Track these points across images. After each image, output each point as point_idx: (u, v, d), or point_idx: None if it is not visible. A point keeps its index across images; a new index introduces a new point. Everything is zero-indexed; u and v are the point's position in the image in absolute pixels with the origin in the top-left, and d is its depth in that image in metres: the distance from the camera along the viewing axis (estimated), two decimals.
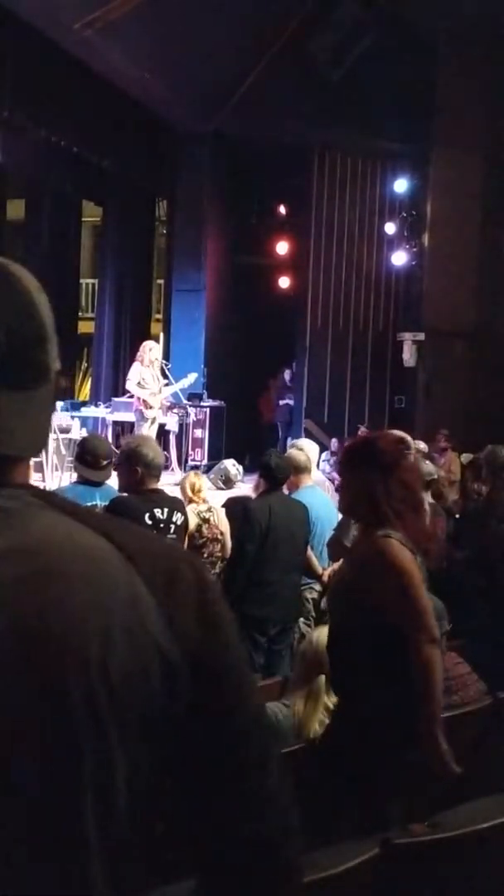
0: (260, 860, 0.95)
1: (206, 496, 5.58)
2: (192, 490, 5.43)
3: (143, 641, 0.87)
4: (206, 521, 5.34)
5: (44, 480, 8.88)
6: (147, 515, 4.27)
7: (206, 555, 5.31)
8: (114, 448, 5.40)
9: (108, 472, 4.74)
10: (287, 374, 15.21)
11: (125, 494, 4.53)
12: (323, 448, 11.37)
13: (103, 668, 0.85)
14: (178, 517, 4.40)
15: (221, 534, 5.38)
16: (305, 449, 5.88)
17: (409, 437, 3.00)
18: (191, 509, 5.27)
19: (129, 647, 0.86)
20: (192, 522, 5.22)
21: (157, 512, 4.31)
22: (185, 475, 5.81)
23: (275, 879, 0.96)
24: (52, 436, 9.09)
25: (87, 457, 4.69)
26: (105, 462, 4.69)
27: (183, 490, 5.44)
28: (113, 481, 5.01)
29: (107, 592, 0.87)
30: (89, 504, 4.53)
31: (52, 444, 9.08)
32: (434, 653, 2.59)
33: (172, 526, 4.36)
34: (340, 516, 4.40)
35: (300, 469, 5.44)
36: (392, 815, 2.57)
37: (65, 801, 0.84)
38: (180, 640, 0.90)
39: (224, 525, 5.41)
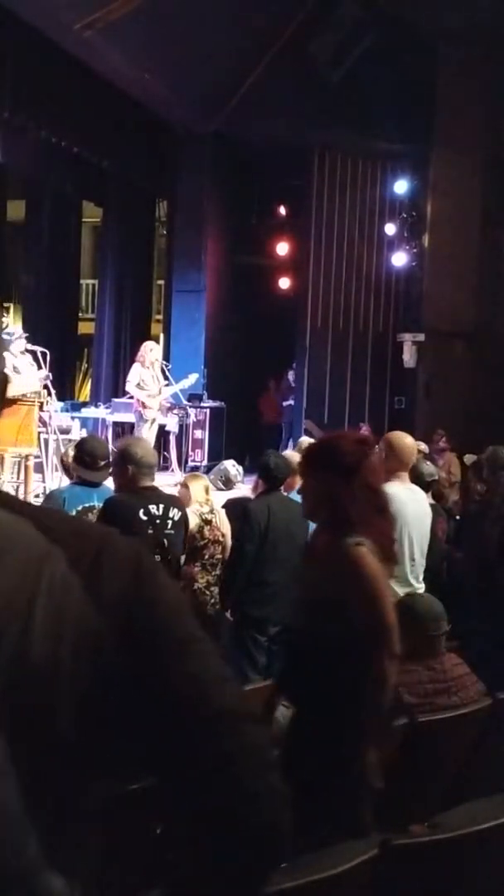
0: (225, 829, 0.94)
1: (211, 498, 5.57)
2: (206, 492, 5.44)
3: (66, 620, 0.90)
4: (207, 522, 5.34)
5: (44, 481, 8.87)
6: (141, 512, 4.28)
7: (206, 556, 5.31)
8: (114, 449, 5.39)
9: (106, 472, 4.73)
10: (291, 376, 15.21)
11: (119, 493, 4.55)
12: None
13: (23, 650, 0.87)
14: (174, 513, 4.41)
15: (223, 536, 5.38)
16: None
17: (370, 437, 2.94)
18: (193, 510, 5.27)
19: (51, 627, 0.89)
20: (194, 524, 5.22)
21: (153, 508, 4.32)
22: (191, 477, 5.77)
23: (247, 845, 0.94)
24: (52, 436, 9.09)
25: (85, 458, 4.69)
26: (103, 463, 4.69)
27: (191, 492, 5.42)
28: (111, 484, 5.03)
29: (28, 576, 0.90)
30: (87, 505, 4.54)
31: (52, 445, 9.07)
32: (391, 670, 2.59)
33: (169, 521, 4.37)
34: None
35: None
36: (343, 829, 2.54)
37: None
38: (108, 615, 0.92)
39: (225, 527, 5.41)
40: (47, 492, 6.88)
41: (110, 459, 4.77)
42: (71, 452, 5.26)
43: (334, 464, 2.75)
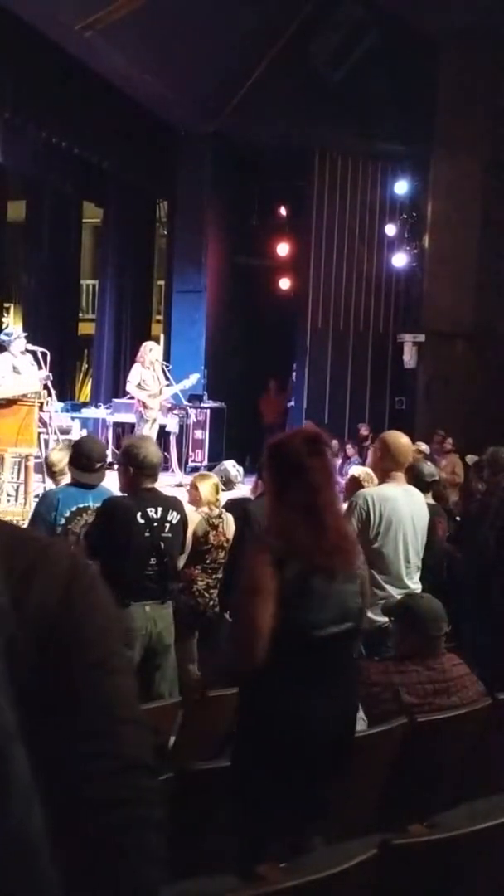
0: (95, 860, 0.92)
1: (220, 497, 5.52)
2: (217, 491, 5.41)
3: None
4: (214, 527, 5.31)
5: (44, 481, 8.85)
6: (139, 515, 4.27)
7: (209, 560, 5.29)
8: (114, 449, 5.38)
9: (103, 474, 4.69)
10: (295, 377, 15.21)
11: (118, 495, 4.55)
12: None
13: None
14: (173, 516, 4.40)
15: (227, 541, 5.35)
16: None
17: (324, 435, 2.84)
18: (200, 513, 5.26)
19: None
20: (201, 528, 5.21)
21: (151, 511, 4.31)
22: (200, 477, 5.73)
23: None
24: (52, 437, 9.09)
25: (81, 459, 4.65)
26: (99, 465, 4.64)
27: (201, 493, 5.39)
28: (110, 483, 5.02)
29: None
30: (81, 505, 4.52)
31: (52, 445, 9.06)
32: (235, 675, 2.56)
33: (167, 525, 4.36)
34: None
35: None
36: (269, 846, 2.53)
37: None
38: (33, 626, 0.92)
39: (231, 532, 5.38)
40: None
41: (107, 461, 4.77)
42: (54, 456, 5.25)
43: (277, 463, 2.70)
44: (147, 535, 4.29)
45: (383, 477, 4.41)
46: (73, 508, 4.51)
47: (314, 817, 2.65)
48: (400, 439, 4.38)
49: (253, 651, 2.46)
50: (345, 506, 4.18)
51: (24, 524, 5.65)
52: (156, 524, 4.32)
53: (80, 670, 0.94)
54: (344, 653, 2.67)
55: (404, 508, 4.24)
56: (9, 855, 0.84)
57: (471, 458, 7.74)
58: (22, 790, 0.86)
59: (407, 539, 4.24)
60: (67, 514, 4.49)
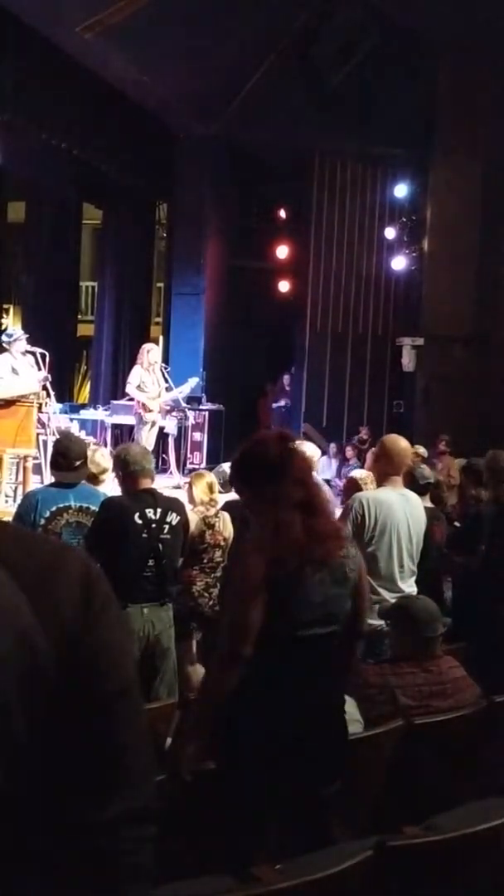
0: (96, 851, 0.95)
1: (216, 496, 5.51)
2: (211, 490, 5.39)
3: (9, 636, 0.90)
4: (211, 526, 5.29)
5: (42, 482, 8.85)
6: (137, 516, 4.27)
7: (206, 560, 5.27)
8: (108, 455, 5.36)
9: (83, 471, 4.65)
10: (286, 379, 15.21)
11: (115, 495, 4.54)
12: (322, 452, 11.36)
13: None
14: (172, 517, 4.38)
15: (224, 540, 5.34)
16: (307, 453, 5.78)
17: (291, 434, 2.85)
18: (197, 512, 5.24)
19: None
20: (197, 527, 5.19)
21: (149, 512, 4.30)
22: (195, 476, 5.72)
23: (106, 875, 0.96)
24: (51, 438, 9.08)
25: (58, 459, 4.61)
26: (78, 463, 4.60)
27: (194, 493, 5.39)
28: (107, 487, 5.01)
29: None
30: (61, 505, 4.48)
31: (50, 446, 9.06)
32: (227, 672, 2.53)
33: (166, 526, 4.35)
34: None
35: None
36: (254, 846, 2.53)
37: None
38: (54, 631, 0.93)
39: (228, 532, 5.36)
40: None
41: (87, 458, 4.75)
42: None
43: (252, 471, 2.71)
44: (144, 536, 4.28)
45: (381, 480, 4.40)
46: (53, 509, 4.47)
47: (315, 817, 2.64)
48: (398, 443, 4.35)
49: (241, 648, 2.48)
50: (339, 510, 4.20)
51: None
52: (154, 525, 4.31)
53: (98, 700, 0.95)
54: (328, 654, 2.67)
55: (399, 513, 4.22)
56: None
57: (459, 462, 7.70)
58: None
59: (401, 543, 4.22)
60: (47, 514, 4.45)
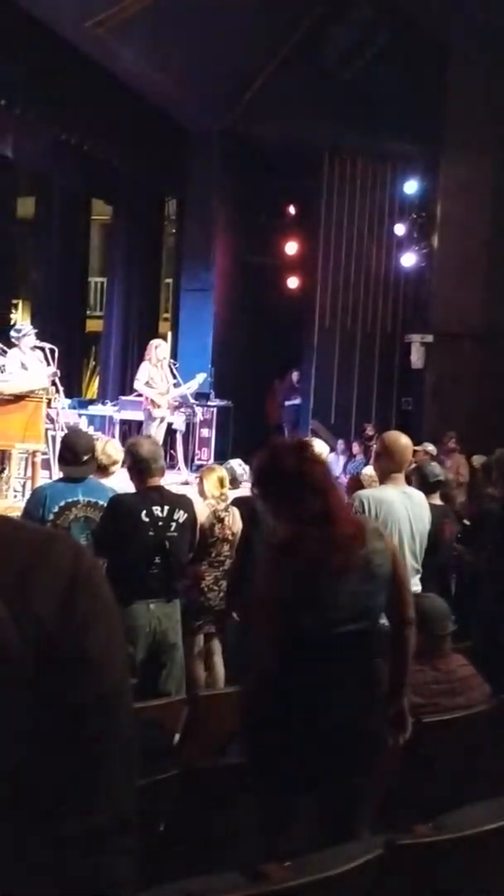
0: (76, 854, 0.93)
1: (227, 491, 5.50)
2: (222, 484, 5.38)
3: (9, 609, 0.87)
4: (220, 520, 5.29)
5: (51, 477, 8.86)
6: (144, 513, 4.27)
7: (213, 554, 5.28)
8: (119, 447, 5.36)
9: (91, 466, 4.66)
10: (295, 376, 15.18)
11: (122, 492, 4.55)
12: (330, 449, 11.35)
13: None
14: (179, 515, 4.39)
15: (233, 535, 5.35)
16: (316, 450, 5.75)
17: (307, 442, 2.81)
18: (207, 505, 5.24)
19: None
20: (207, 520, 5.19)
21: (156, 510, 4.30)
22: (206, 470, 5.72)
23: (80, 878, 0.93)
24: (60, 433, 9.09)
25: (66, 454, 4.64)
26: (85, 457, 4.62)
27: (205, 486, 5.38)
28: (114, 481, 5.01)
29: None
30: (69, 500, 4.50)
31: (59, 442, 9.06)
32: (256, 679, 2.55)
33: (173, 524, 4.36)
34: None
35: None
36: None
37: None
38: (29, 626, 0.89)
39: (237, 527, 5.36)
40: None
41: (94, 453, 4.75)
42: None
43: (271, 482, 2.69)
44: (151, 533, 4.28)
45: (382, 478, 4.37)
46: (62, 504, 4.49)
47: (346, 812, 2.65)
48: (399, 440, 4.32)
49: (275, 657, 2.51)
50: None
51: None
52: (161, 523, 4.32)
53: (77, 705, 0.92)
54: (359, 651, 2.67)
55: (401, 510, 4.20)
56: None
57: (477, 460, 7.70)
58: None
59: (404, 541, 4.19)
60: (56, 509, 4.47)
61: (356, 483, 5.27)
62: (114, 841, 0.94)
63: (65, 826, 0.91)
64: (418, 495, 4.42)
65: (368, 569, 2.64)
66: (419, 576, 4.31)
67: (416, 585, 4.26)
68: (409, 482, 4.84)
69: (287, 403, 15.20)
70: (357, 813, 2.66)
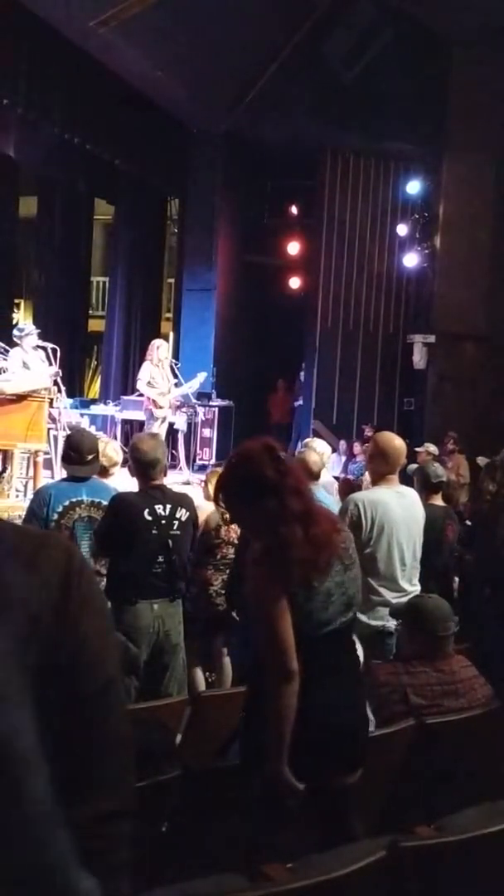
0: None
1: None
2: None
3: (10, 607, 0.92)
4: (227, 522, 5.28)
5: (52, 477, 8.87)
6: (146, 511, 4.27)
7: (218, 556, 5.25)
8: (123, 447, 5.37)
9: (95, 466, 4.69)
10: (303, 376, 15.20)
11: (125, 491, 4.54)
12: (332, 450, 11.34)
13: None
14: (181, 513, 4.38)
15: (238, 538, 5.33)
16: (318, 451, 5.74)
17: (276, 443, 2.75)
18: (213, 507, 5.22)
19: None
20: (213, 521, 5.17)
21: (158, 508, 4.30)
22: (212, 472, 5.70)
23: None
24: (61, 433, 9.09)
25: (71, 453, 4.65)
26: (90, 457, 4.63)
27: (209, 489, 5.36)
28: (114, 482, 5.01)
29: None
30: (74, 499, 4.51)
31: (61, 441, 9.07)
32: (285, 690, 2.49)
33: (176, 522, 4.35)
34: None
35: (311, 474, 5.27)
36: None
37: None
38: (44, 604, 0.94)
39: None
40: None
41: (98, 453, 4.76)
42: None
43: (244, 488, 2.65)
44: (154, 532, 4.27)
45: (376, 479, 4.36)
46: (66, 503, 4.50)
47: (338, 810, 2.65)
48: (392, 441, 4.30)
49: (289, 664, 2.49)
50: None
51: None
52: (163, 521, 4.31)
53: (73, 697, 0.95)
54: (346, 641, 2.71)
55: (396, 511, 4.18)
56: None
57: (482, 460, 7.69)
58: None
59: (401, 542, 4.18)
60: (60, 509, 4.48)
61: (348, 486, 5.24)
62: (114, 826, 0.99)
63: (68, 813, 0.94)
64: (412, 495, 4.40)
65: (347, 556, 2.67)
66: (418, 575, 4.30)
67: (415, 586, 4.26)
68: (410, 483, 4.84)
69: (296, 404, 15.22)
70: (349, 812, 2.67)
